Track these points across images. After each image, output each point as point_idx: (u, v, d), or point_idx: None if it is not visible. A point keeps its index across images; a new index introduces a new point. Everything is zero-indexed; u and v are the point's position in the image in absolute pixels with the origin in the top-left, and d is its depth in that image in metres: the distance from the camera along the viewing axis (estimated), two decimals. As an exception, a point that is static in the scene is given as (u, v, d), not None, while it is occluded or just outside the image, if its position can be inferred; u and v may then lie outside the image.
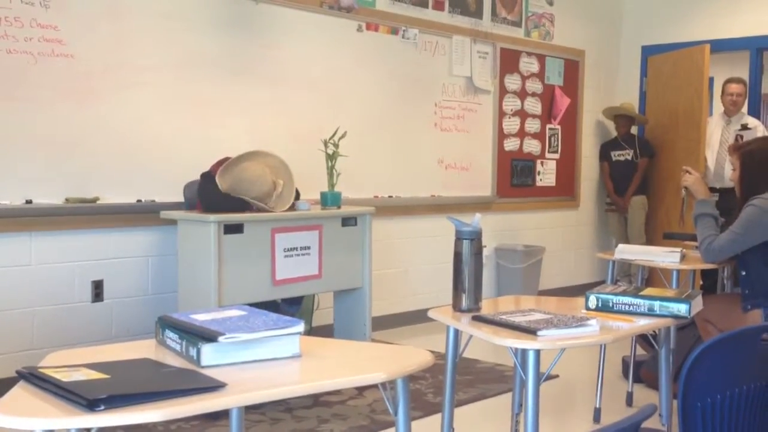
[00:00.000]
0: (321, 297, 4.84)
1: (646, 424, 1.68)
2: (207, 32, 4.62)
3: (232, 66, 4.74)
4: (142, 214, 4.32)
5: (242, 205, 3.94)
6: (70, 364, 1.61)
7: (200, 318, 1.81)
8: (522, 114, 6.70)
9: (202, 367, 1.64)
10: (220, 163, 4.04)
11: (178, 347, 1.75)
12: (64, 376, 1.48)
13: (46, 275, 4.03)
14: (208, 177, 4.01)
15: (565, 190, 7.21)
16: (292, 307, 4.33)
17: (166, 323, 1.83)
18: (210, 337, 1.66)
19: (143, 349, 1.81)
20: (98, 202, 4.18)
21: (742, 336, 1.80)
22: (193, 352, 1.67)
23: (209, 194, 3.94)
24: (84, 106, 4.13)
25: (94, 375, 1.52)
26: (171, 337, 1.79)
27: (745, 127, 6.38)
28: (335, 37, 5.29)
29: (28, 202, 3.96)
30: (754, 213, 3.23)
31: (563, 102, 7.08)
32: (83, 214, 4.12)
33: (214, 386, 1.50)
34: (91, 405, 1.36)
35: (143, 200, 4.36)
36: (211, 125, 4.63)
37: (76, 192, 4.11)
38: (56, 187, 4.05)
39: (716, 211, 3.45)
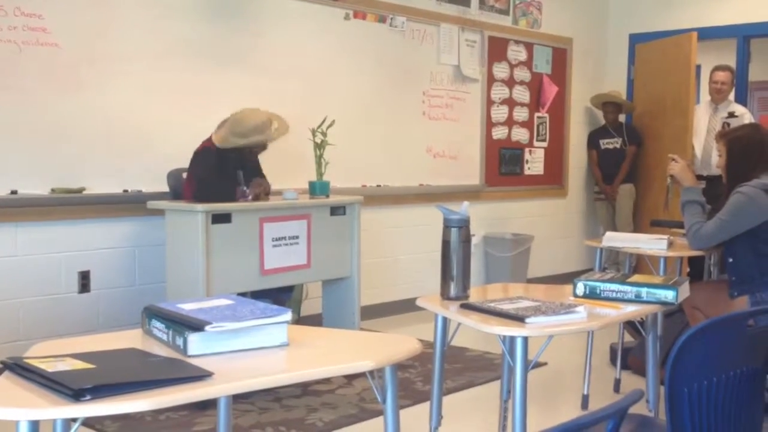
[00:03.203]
0: (309, 286, 4.84)
1: (633, 410, 1.69)
2: (193, 20, 4.59)
3: (219, 54, 4.72)
4: (129, 204, 4.30)
5: (238, 161, 4.00)
6: (55, 354, 1.60)
7: (187, 307, 1.80)
8: (510, 102, 6.70)
9: (189, 356, 1.63)
10: (204, 143, 4.04)
11: (164, 337, 1.74)
12: (50, 367, 1.47)
13: (32, 266, 4.01)
14: (198, 155, 4.01)
15: (554, 178, 7.22)
16: (283, 294, 4.33)
17: (152, 313, 1.82)
18: (197, 326, 1.65)
19: (129, 339, 1.80)
20: (84, 192, 4.15)
21: (728, 322, 1.81)
22: (179, 341, 1.67)
23: (201, 168, 3.95)
24: (69, 96, 4.10)
25: (80, 365, 1.51)
26: (157, 326, 1.78)
27: (732, 115, 6.40)
28: (322, 25, 5.26)
29: (14, 192, 3.93)
30: (740, 200, 3.24)
31: (551, 90, 7.08)
32: (69, 205, 4.10)
33: (200, 375, 1.49)
34: (77, 395, 1.35)
35: (130, 190, 4.34)
36: (197, 114, 4.60)
37: (62, 182, 4.09)
38: (42, 177, 4.02)
39: (703, 198, 3.46)
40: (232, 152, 4.00)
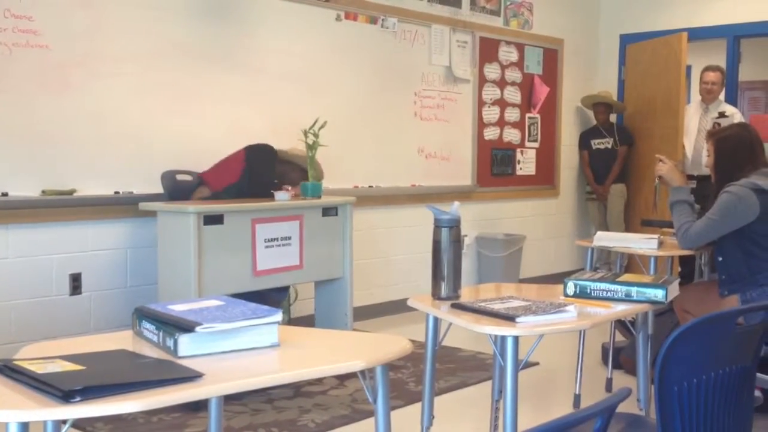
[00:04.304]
0: (302, 287, 4.83)
1: (624, 409, 1.69)
2: (184, 21, 4.59)
3: (210, 55, 4.71)
4: (120, 206, 4.29)
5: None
6: (45, 356, 1.59)
7: (177, 308, 1.79)
8: (501, 103, 6.71)
9: (179, 357, 1.63)
10: (252, 150, 4.34)
11: (155, 338, 1.74)
12: (39, 368, 1.47)
13: (23, 268, 4.00)
14: (257, 148, 4.33)
15: (545, 178, 7.24)
16: (280, 293, 4.33)
17: (142, 314, 1.82)
18: (187, 327, 1.65)
19: (120, 340, 1.80)
20: (75, 194, 4.14)
21: (717, 320, 1.82)
22: (170, 342, 1.66)
23: (257, 161, 4.27)
24: (60, 97, 4.09)
25: (70, 366, 1.50)
26: (148, 327, 1.78)
27: (722, 115, 6.43)
28: (314, 26, 5.26)
29: (4, 194, 3.91)
30: (729, 200, 3.25)
31: (542, 91, 7.10)
32: (60, 207, 4.09)
33: (191, 376, 1.49)
34: (67, 396, 1.34)
35: (121, 192, 4.33)
36: (188, 115, 4.60)
37: (53, 184, 4.07)
38: (33, 179, 4.01)
39: (692, 198, 3.47)
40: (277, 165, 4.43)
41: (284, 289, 4.39)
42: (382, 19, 5.69)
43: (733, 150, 3.37)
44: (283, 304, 4.46)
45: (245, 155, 4.27)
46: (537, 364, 4.37)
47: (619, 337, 4.28)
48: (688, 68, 7.32)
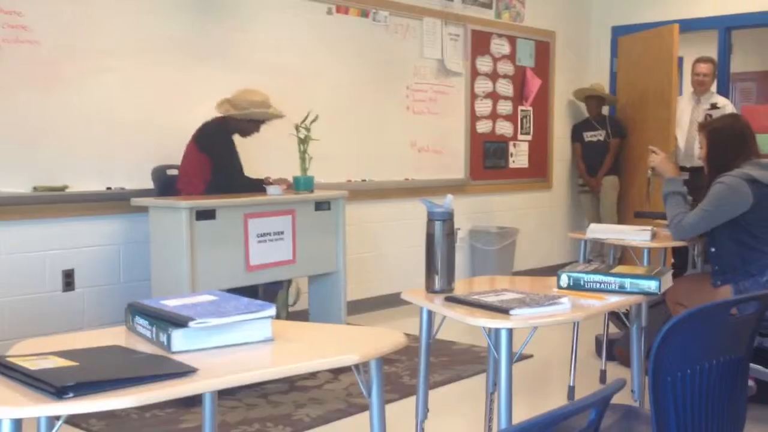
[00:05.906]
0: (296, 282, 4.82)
1: (619, 401, 1.70)
2: (173, 16, 4.57)
3: (201, 50, 4.70)
4: (112, 202, 4.28)
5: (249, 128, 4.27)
6: (38, 352, 1.59)
7: (171, 304, 1.79)
8: (494, 96, 6.71)
9: (173, 352, 1.62)
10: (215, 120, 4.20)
11: (148, 333, 1.74)
12: (32, 365, 1.46)
13: (15, 265, 3.98)
14: (212, 129, 4.17)
15: (538, 171, 7.24)
16: (274, 284, 4.30)
17: (136, 309, 1.81)
18: (180, 322, 1.65)
19: (113, 336, 1.80)
20: (67, 190, 4.13)
21: (711, 310, 1.82)
22: (163, 338, 1.66)
23: (221, 149, 4.16)
24: (51, 93, 4.07)
25: (63, 363, 1.50)
26: (141, 323, 1.77)
27: (714, 107, 6.43)
28: (305, 20, 5.25)
29: (-5, 191, 3.90)
30: (722, 190, 3.26)
31: (534, 83, 7.10)
32: (52, 203, 4.07)
33: (184, 372, 1.48)
34: (60, 393, 1.34)
35: (113, 188, 4.31)
36: (180, 110, 4.58)
37: (45, 180, 4.06)
38: (24, 175, 3.99)
39: (685, 189, 3.48)
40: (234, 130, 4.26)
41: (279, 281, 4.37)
42: (374, 13, 5.68)
43: (725, 141, 3.38)
44: (280, 296, 4.44)
45: (198, 148, 4.15)
46: (531, 356, 4.38)
47: (613, 329, 4.29)
48: (680, 60, 7.32)
